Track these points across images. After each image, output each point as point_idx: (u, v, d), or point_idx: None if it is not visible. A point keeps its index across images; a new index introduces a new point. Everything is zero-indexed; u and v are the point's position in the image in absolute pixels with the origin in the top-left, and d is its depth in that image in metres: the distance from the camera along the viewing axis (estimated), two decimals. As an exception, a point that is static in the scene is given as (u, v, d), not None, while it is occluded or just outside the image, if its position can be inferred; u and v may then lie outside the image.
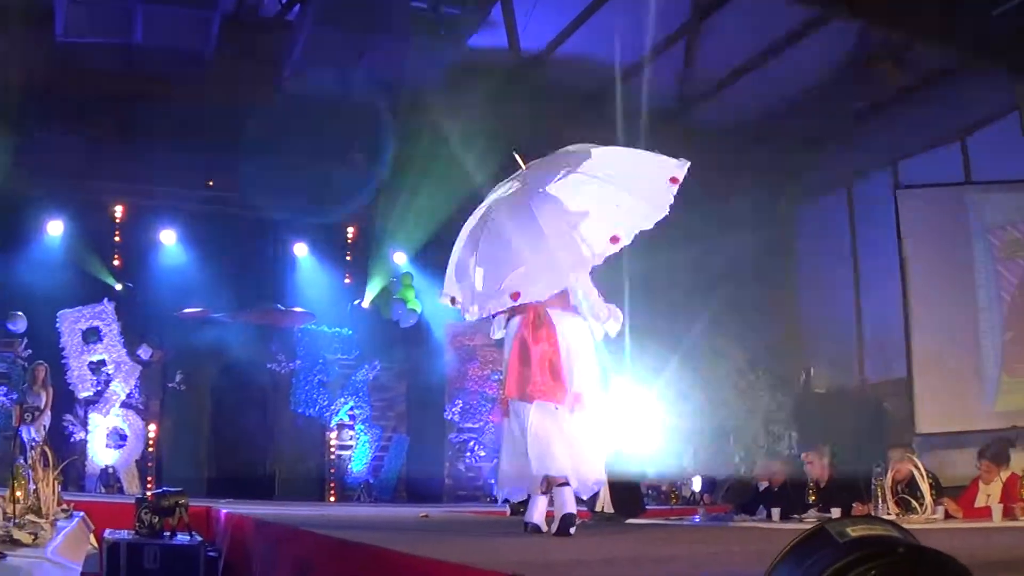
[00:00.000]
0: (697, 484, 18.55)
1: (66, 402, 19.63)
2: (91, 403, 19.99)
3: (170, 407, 20.81)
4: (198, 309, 20.43)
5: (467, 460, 21.92)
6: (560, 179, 8.04)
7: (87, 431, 19.82)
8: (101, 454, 19.81)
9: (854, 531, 2.35)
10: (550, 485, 7.70)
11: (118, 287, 20.61)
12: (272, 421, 21.72)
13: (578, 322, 8.06)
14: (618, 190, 8.12)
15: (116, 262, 20.75)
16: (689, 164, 8.40)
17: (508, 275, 7.70)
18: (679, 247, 19.79)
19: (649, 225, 8.11)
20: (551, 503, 7.76)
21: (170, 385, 20.74)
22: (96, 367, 20.11)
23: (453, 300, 8.19)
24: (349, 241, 22.28)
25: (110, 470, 19.75)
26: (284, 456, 21.48)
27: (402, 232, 21.93)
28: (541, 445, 7.61)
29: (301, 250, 22.01)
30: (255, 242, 21.50)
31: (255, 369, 21.35)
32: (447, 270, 8.35)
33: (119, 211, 20.97)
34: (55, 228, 20.16)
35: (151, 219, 21.04)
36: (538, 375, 7.73)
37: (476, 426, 21.98)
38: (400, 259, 22.20)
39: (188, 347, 20.57)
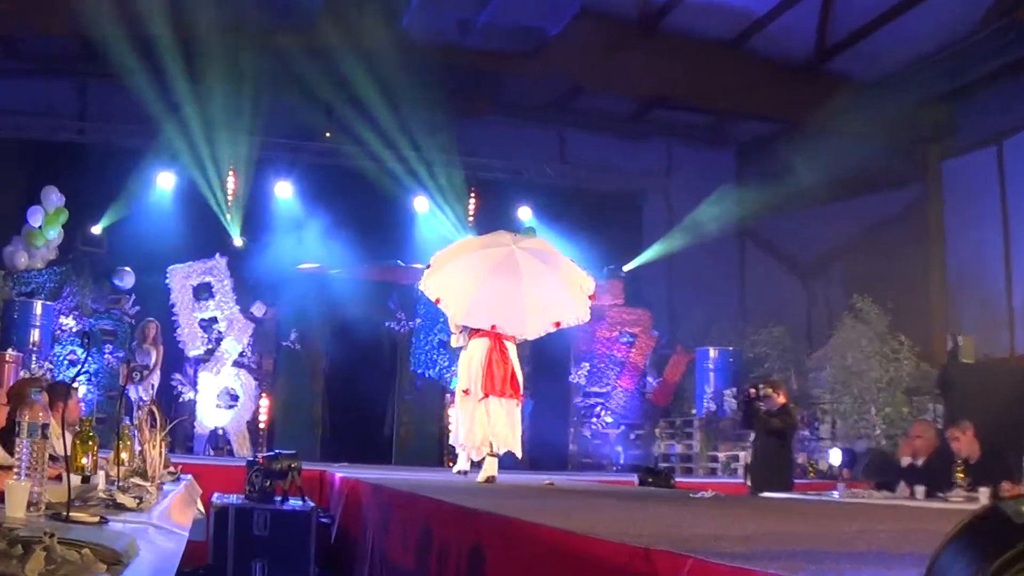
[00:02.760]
0: (835, 457, 18.19)
1: (175, 361, 19.66)
2: (201, 362, 19.94)
3: (284, 367, 20.78)
4: (314, 265, 20.59)
5: (593, 426, 21.73)
6: (547, 266, 12.11)
7: (196, 391, 19.77)
8: (211, 415, 19.78)
9: (1033, 511, 2.16)
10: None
11: (238, 242, 20.73)
12: (390, 382, 21.52)
13: (514, 349, 12.04)
14: (573, 294, 12.17)
15: (228, 216, 20.76)
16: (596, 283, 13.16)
17: (495, 308, 11.79)
18: (816, 204, 19.44)
19: (575, 323, 12.69)
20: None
21: (284, 344, 20.65)
22: (207, 325, 20.03)
23: (439, 300, 12.20)
24: (472, 194, 22.19)
25: (220, 431, 19.77)
26: (402, 419, 21.31)
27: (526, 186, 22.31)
28: (505, 428, 11.84)
29: (422, 204, 21.95)
30: (374, 196, 21.22)
31: (373, 328, 21.13)
32: (444, 268, 12.19)
33: (233, 163, 20.86)
34: (166, 181, 20.33)
35: (266, 172, 21.17)
36: (508, 382, 11.81)
37: (603, 390, 21.78)
38: (525, 214, 22.17)
39: (303, 304, 20.51)
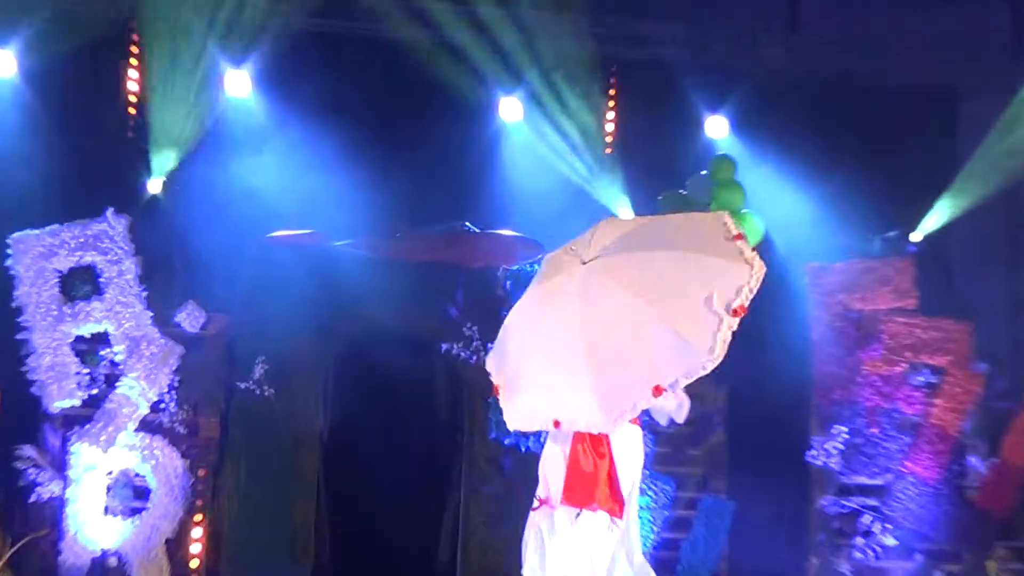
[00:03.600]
0: None
1: (24, 421, 18.42)
2: (76, 422, 18.41)
3: (241, 431, 19.02)
4: (300, 231, 19.81)
5: (858, 553, 19.85)
6: (630, 291, 11.16)
7: (66, 480, 18.32)
8: (95, 527, 18.30)
9: None
10: None
11: (153, 186, 20.30)
12: (450, 460, 20.04)
13: (631, 431, 12.09)
14: (689, 323, 10.69)
15: (131, 134, 20.33)
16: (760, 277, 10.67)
17: (552, 393, 11.56)
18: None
19: (689, 381, 10.89)
20: None
21: (242, 386, 18.90)
22: (89, 348, 18.59)
23: (498, 389, 12.07)
24: (612, 93, 21.58)
25: (112, 560, 18.34)
26: (474, 530, 19.42)
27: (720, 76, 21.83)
28: (604, 560, 12.05)
29: (512, 110, 21.53)
30: (417, 95, 20.92)
31: (417, 353, 19.42)
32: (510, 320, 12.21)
33: (133, 32, 20.43)
34: (2, 65, 20.11)
35: (207, 49, 20.55)
36: (606, 488, 11.97)
37: (878, 483, 20.01)
38: (718, 128, 21.70)
39: (279, 307, 18.76)
